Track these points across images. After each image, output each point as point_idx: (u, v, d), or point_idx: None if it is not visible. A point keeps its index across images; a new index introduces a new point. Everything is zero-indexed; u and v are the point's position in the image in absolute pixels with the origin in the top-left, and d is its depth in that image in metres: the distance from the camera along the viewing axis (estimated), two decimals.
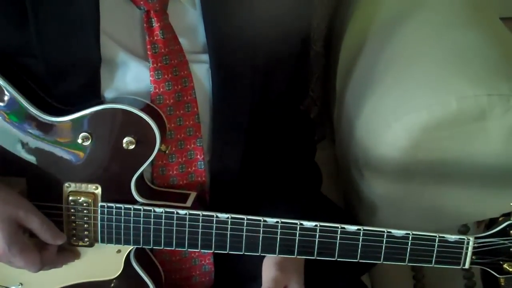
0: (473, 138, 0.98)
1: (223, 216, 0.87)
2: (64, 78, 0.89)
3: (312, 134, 1.13)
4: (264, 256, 0.94)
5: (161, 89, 0.91)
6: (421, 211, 1.08)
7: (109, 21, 0.89)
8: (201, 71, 0.93)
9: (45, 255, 0.88)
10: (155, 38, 0.90)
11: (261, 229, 0.87)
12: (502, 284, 0.91)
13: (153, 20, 0.90)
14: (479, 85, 0.97)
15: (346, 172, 1.17)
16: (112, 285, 0.94)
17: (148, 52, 0.90)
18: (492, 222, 1.01)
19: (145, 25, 0.90)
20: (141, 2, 0.89)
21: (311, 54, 1.33)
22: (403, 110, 1.00)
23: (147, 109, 0.89)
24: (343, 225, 0.86)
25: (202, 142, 0.95)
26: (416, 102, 0.99)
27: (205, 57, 0.93)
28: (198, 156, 0.95)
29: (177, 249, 0.90)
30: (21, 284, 0.94)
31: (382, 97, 1.05)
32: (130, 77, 0.91)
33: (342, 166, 1.21)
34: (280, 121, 1.02)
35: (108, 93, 0.91)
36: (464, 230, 1.15)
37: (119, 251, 0.92)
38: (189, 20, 0.93)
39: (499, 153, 0.99)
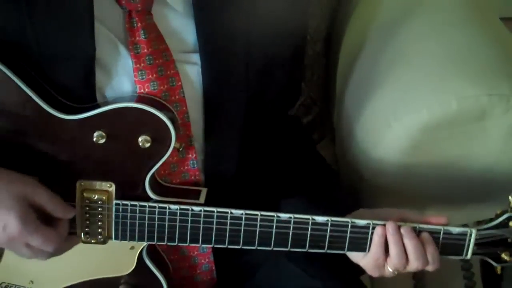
0: (473, 138, 1.00)
1: (237, 212, 0.89)
2: (58, 67, 0.89)
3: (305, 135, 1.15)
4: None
5: (146, 89, 0.91)
6: (421, 212, 1.10)
7: (103, 17, 0.89)
8: (191, 71, 0.93)
9: (59, 231, 0.87)
10: (137, 38, 0.90)
11: (274, 224, 0.89)
12: (499, 272, 0.95)
13: (134, 20, 0.90)
14: (479, 85, 0.98)
15: (346, 171, 1.18)
16: (123, 280, 0.94)
17: (131, 53, 0.90)
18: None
19: (127, 25, 0.90)
20: (123, 2, 0.89)
21: (311, 54, 1.35)
22: (403, 110, 1.01)
23: (159, 106, 0.90)
24: (353, 220, 0.89)
25: (193, 141, 0.95)
26: (416, 102, 1.00)
27: (196, 56, 0.93)
28: (190, 155, 0.95)
29: (191, 245, 0.92)
30: (32, 282, 0.94)
31: (382, 97, 1.06)
32: (122, 72, 0.91)
33: (342, 166, 1.22)
34: (276, 119, 1.03)
35: (103, 87, 0.91)
36: None
37: (132, 247, 0.93)
38: (177, 20, 0.93)
39: (499, 153, 1.01)
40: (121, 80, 0.92)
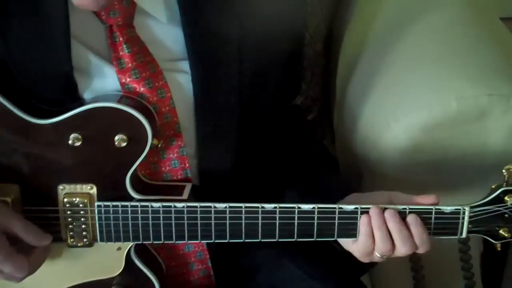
0: (473, 138, 0.99)
1: (221, 206, 0.87)
2: (38, 86, 0.88)
3: (305, 120, 1.12)
4: (260, 247, 0.95)
5: None
6: None
7: (82, 31, 0.87)
8: (180, 79, 0.92)
9: (32, 258, 0.87)
10: (120, 53, 0.88)
11: (260, 216, 0.87)
12: (499, 249, 0.92)
13: (116, 35, 0.88)
14: (479, 85, 0.97)
15: (346, 171, 1.16)
16: (115, 282, 0.94)
17: (115, 68, 0.89)
18: None
19: (109, 40, 0.88)
20: (103, 17, 0.87)
21: (311, 54, 1.33)
22: (403, 110, 1.00)
23: (134, 104, 0.88)
24: (340, 205, 0.87)
25: (185, 151, 0.93)
26: (416, 102, 0.99)
27: (185, 63, 0.91)
28: (183, 165, 0.94)
29: (177, 241, 0.90)
30: None
31: (382, 97, 1.05)
32: (110, 85, 0.90)
33: (343, 166, 1.20)
34: (273, 116, 1.00)
35: (87, 96, 0.90)
36: None
37: (119, 248, 0.91)
38: (162, 30, 0.91)
39: (499, 153, 1.00)
40: (108, 87, 0.90)
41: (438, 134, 0.99)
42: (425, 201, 0.87)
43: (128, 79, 0.89)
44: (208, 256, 0.98)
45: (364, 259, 0.88)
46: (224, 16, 0.89)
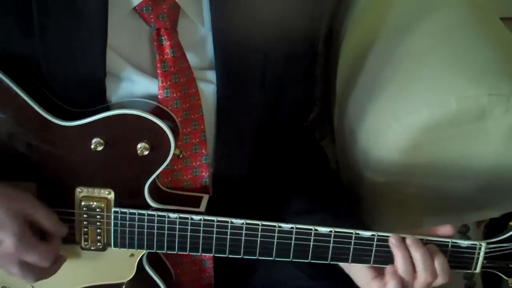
0: (473, 138, 0.98)
1: (238, 222, 0.87)
2: (68, 89, 0.88)
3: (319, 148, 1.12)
4: None
5: (169, 107, 0.90)
6: (421, 212, 1.09)
7: (117, 36, 0.87)
8: (207, 88, 0.92)
9: (54, 247, 0.86)
10: (165, 56, 0.88)
11: (276, 235, 0.87)
12: (510, 285, 0.92)
13: (163, 38, 0.88)
14: (479, 85, 0.97)
15: (346, 172, 1.16)
16: (124, 287, 0.93)
17: (158, 71, 0.89)
18: (492, 222, 1.01)
19: (155, 43, 0.88)
20: (152, 20, 0.87)
21: None
22: (403, 110, 1.00)
23: (159, 112, 0.88)
24: (357, 231, 0.87)
25: (207, 159, 0.94)
26: (416, 102, 0.99)
27: (211, 73, 0.91)
28: (203, 174, 0.94)
29: (190, 253, 0.90)
30: (32, 286, 0.93)
31: (383, 97, 1.04)
32: (138, 92, 0.90)
33: (343, 166, 1.21)
34: (288, 132, 1.01)
35: (114, 101, 0.90)
36: (464, 230, 1.15)
37: (132, 255, 0.91)
38: (197, 37, 0.91)
39: (499, 153, 0.99)
40: (137, 96, 0.90)
41: (438, 134, 0.98)
42: (441, 232, 0.88)
43: (168, 82, 0.89)
44: (212, 265, 0.98)
45: None
46: (251, 26, 0.89)
